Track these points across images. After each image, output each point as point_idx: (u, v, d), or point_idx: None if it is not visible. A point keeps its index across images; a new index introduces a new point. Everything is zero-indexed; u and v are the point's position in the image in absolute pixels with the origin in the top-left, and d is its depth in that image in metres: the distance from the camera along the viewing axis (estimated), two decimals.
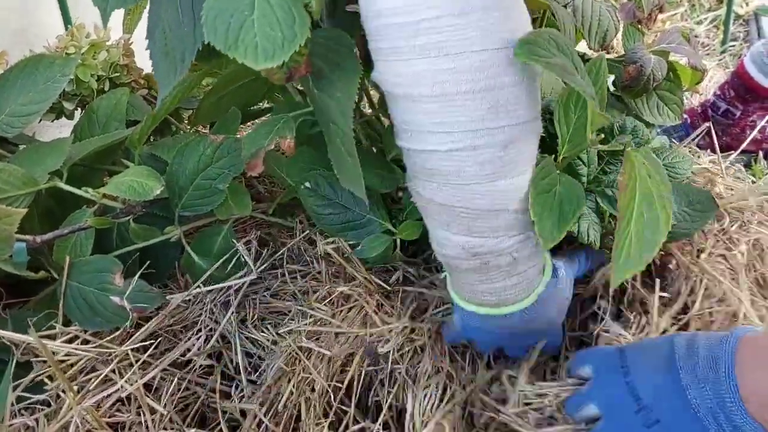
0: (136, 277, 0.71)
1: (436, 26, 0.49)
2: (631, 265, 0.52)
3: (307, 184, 0.74)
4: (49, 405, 0.67)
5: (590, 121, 0.58)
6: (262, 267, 0.78)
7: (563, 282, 0.64)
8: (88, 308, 0.69)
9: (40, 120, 0.83)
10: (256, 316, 0.76)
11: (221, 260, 0.76)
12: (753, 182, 0.93)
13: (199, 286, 0.75)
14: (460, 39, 0.49)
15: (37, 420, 0.66)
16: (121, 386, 0.66)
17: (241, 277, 0.76)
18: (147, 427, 0.65)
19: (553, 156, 0.63)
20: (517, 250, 0.59)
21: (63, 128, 1.06)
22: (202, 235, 0.80)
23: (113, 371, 0.68)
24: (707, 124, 1.12)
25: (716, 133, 1.23)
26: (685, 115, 1.30)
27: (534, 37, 0.50)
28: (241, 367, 0.71)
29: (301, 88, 0.83)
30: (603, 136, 0.69)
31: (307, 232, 0.83)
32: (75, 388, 0.66)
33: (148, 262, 0.76)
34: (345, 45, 0.57)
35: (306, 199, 0.75)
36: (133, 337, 0.70)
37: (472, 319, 0.65)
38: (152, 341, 0.71)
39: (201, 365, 0.72)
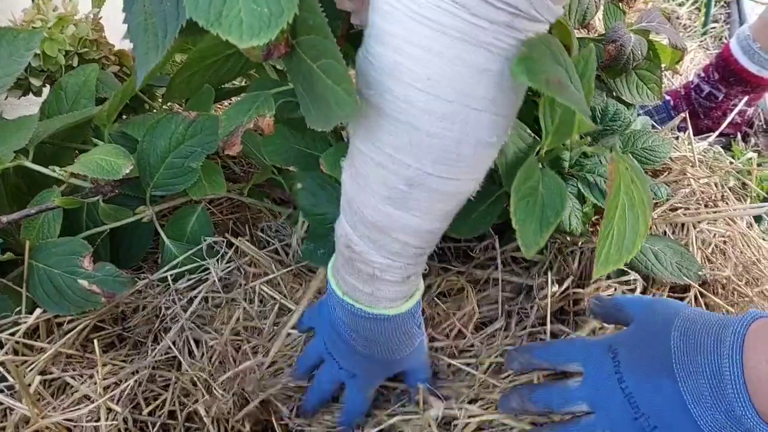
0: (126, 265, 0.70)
1: None
2: (611, 261, 0.52)
3: (300, 185, 0.71)
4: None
5: (577, 126, 0.58)
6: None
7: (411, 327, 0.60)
8: (55, 292, 0.67)
9: (6, 97, 0.80)
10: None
11: (190, 251, 0.75)
12: (731, 163, 0.93)
13: (167, 278, 0.74)
14: None
15: None
16: (81, 388, 0.64)
17: (205, 270, 0.75)
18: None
19: (536, 150, 0.62)
20: (383, 270, 0.55)
21: (32, 106, 1.02)
22: (176, 217, 0.78)
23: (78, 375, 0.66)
24: (683, 114, 1.12)
25: (698, 115, 1.23)
26: (668, 97, 1.30)
27: (531, 51, 0.45)
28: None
29: (279, 68, 0.81)
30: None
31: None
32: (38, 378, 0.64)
33: (119, 245, 0.75)
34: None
35: (301, 199, 0.72)
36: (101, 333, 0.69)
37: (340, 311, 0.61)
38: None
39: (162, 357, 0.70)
